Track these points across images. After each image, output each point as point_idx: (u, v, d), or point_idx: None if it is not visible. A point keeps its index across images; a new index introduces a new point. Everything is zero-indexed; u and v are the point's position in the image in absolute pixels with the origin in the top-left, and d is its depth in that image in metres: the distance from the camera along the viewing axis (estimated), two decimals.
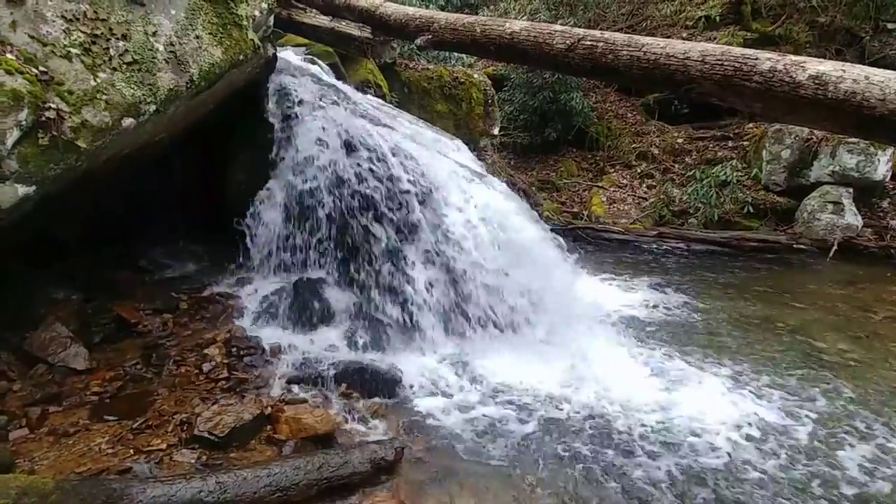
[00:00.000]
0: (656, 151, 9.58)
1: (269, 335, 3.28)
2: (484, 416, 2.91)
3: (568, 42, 2.93)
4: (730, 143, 9.22)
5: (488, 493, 2.36)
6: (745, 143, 8.95)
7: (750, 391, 3.32)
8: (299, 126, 3.76)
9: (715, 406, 3.12)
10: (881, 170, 7.43)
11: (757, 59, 2.20)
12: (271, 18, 3.55)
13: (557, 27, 3.12)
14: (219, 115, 3.59)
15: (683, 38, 9.62)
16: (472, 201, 3.80)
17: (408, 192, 3.65)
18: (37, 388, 2.61)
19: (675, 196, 8.59)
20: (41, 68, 2.23)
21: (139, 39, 2.57)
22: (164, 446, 2.34)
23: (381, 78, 6.23)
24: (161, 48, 2.66)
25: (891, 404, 3.27)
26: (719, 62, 2.30)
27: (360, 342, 3.32)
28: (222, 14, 2.97)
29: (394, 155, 3.76)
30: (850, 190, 7.50)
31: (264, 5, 3.33)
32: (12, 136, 2.12)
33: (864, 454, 2.78)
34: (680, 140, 9.65)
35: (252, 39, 3.15)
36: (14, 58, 2.16)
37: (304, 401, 2.78)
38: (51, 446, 2.29)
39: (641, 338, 4.04)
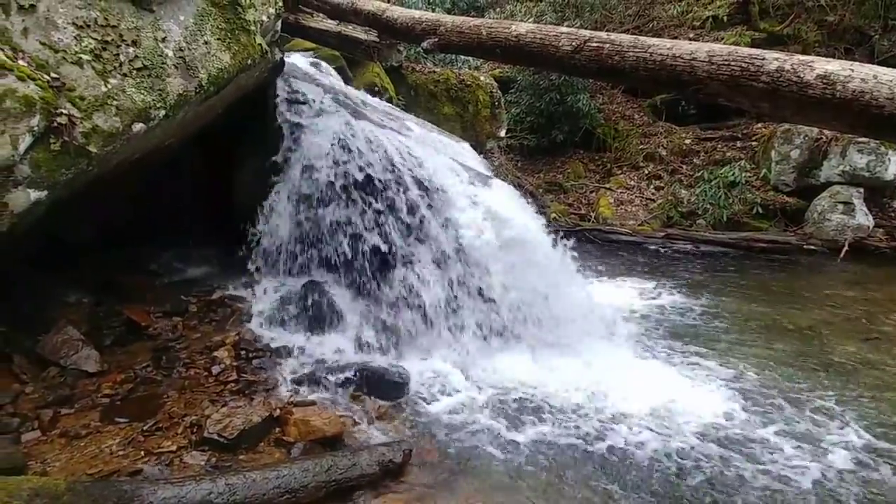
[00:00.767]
0: (664, 152, 9.54)
1: (278, 338, 3.30)
2: (492, 418, 2.91)
3: (574, 44, 2.92)
4: (738, 144, 9.17)
5: (497, 496, 2.36)
6: (754, 143, 8.89)
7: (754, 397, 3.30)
8: (307, 130, 3.78)
9: (714, 409, 3.12)
10: (892, 169, 7.36)
11: (764, 59, 2.18)
12: (279, 23, 3.57)
13: (563, 29, 3.12)
14: (227, 120, 3.61)
15: (690, 39, 9.60)
16: (479, 204, 3.80)
17: (415, 194, 3.66)
18: (49, 391, 2.63)
19: (684, 197, 8.55)
20: (53, 74, 2.26)
21: (149, 45, 2.60)
22: (174, 448, 2.35)
23: (387, 81, 6.26)
24: (170, 54, 2.68)
25: None
26: (726, 62, 2.29)
27: (368, 345, 3.33)
28: (230, 19, 3.00)
29: (401, 158, 3.77)
30: (861, 190, 7.44)
31: (272, 10, 3.35)
32: (25, 142, 2.14)
33: None
34: (688, 141, 9.61)
35: (260, 44, 3.17)
36: (26, 64, 2.18)
37: (313, 403, 2.79)
38: (63, 448, 2.32)
39: (650, 340, 4.02)
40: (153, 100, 2.59)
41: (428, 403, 3.00)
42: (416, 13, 4.28)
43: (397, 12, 4.60)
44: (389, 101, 5.74)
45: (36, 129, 2.16)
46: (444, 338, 3.48)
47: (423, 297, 3.49)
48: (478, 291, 3.60)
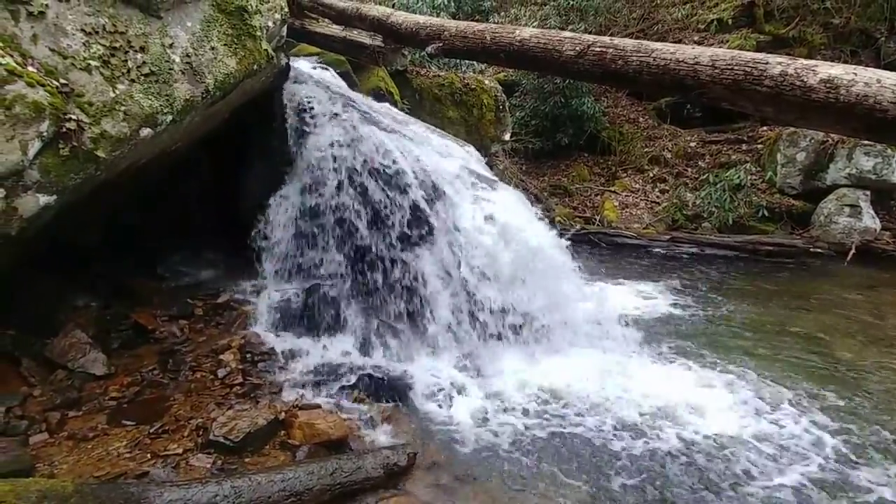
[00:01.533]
0: (669, 155, 9.52)
1: (283, 341, 3.32)
2: (497, 421, 2.91)
3: (577, 48, 2.94)
4: (743, 147, 9.13)
5: (502, 499, 2.36)
6: (759, 146, 8.86)
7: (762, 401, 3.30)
8: (312, 135, 3.80)
9: (722, 413, 3.11)
10: None
11: (767, 63, 2.19)
12: (284, 29, 3.60)
13: (567, 34, 3.13)
14: (233, 125, 3.64)
15: (695, 42, 9.59)
16: (484, 208, 3.81)
17: (421, 198, 3.67)
18: (57, 394, 2.66)
19: (689, 200, 8.52)
20: (62, 80, 2.29)
21: (156, 51, 2.63)
22: (180, 451, 2.37)
23: (392, 85, 6.28)
24: (177, 59, 2.71)
25: None
26: (729, 67, 2.29)
27: (373, 348, 3.34)
28: (237, 25, 3.03)
29: (406, 161, 3.79)
30: (868, 192, 7.40)
31: (277, 16, 3.38)
32: (34, 147, 2.17)
33: None
34: (693, 144, 9.58)
35: (266, 49, 3.20)
36: (35, 70, 2.21)
37: (318, 406, 2.81)
38: (70, 450, 2.34)
39: (656, 344, 4.01)
40: (160, 105, 2.62)
41: (433, 406, 3.01)
42: (421, 18, 4.31)
43: (402, 17, 4.63)
44: (394, 105, 5.75)
45: (45, 134, 2.19)
46: (451, 341, 3.49)
47: (429, 300, 3.50)
48: (484, 295, 3.60)
